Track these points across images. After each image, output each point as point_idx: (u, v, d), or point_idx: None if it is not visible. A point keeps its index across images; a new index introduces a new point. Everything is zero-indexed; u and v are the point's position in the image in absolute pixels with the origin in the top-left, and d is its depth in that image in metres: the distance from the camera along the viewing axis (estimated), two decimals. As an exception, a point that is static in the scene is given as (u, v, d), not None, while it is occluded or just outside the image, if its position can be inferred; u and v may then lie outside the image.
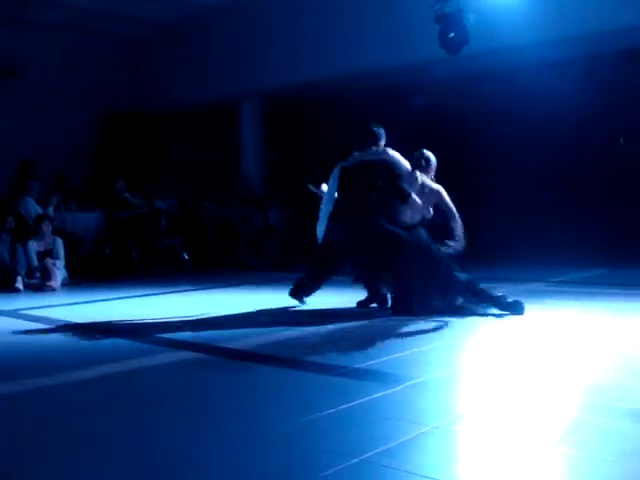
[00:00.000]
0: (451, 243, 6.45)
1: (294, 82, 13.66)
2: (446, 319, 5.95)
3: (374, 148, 6.53)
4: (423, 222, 6.53)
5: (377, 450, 2.77)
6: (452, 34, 9.75)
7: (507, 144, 15.23)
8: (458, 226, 6.47)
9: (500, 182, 15.99)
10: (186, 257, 11.19)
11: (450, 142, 14.90)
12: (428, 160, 6.77)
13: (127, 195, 11.31)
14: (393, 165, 6.41)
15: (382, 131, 6.62)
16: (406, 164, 6.48)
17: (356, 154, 6.53)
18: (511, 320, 5.87)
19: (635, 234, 13.24)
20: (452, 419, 3.20)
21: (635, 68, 13.09)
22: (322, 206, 6.81)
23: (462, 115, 14.37)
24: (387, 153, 6.46)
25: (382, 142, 6.60)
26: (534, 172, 15.37)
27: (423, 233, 6.42)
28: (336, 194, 6.67)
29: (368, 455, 2.71)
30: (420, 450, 2.81)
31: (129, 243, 10.71)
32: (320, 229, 6.75)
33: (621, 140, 13.78)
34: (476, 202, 15.52)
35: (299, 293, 6.91)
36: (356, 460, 2.66)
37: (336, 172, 6.68)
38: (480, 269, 10.04)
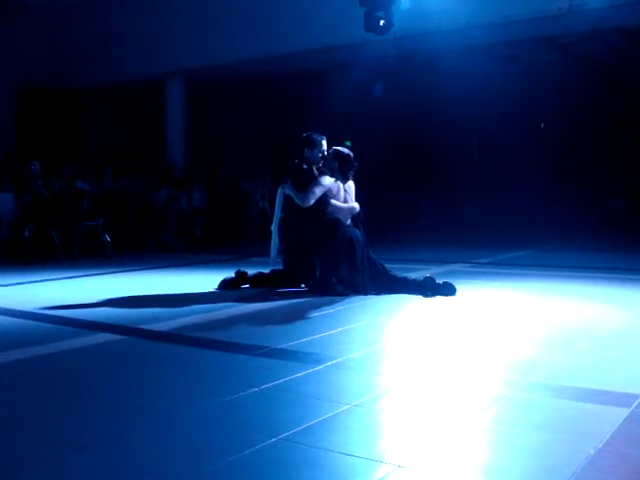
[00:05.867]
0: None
1: (218, 62, 13.51)
2: (370, 298, 6.02)
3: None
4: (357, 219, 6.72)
5: (296, 429, 2.75)
6: (379, 16, 9.76)
7: (432, 127, 15.42)
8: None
9: (427, 165, 16.20)
10: (108, 239, 10.96)
11: (375, 125, 14.99)
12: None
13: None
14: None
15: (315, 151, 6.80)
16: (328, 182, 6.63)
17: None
18: (437, 300, 5.96)
19: (557, 217, 13.63)
20: (372, 397, 3.20)
21: (555, 54, 13.41)
22: (272, 227, 6.90)
23: (387, 98, 14.44)
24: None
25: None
26: (459, 155, 15.63)
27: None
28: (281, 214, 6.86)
29: (287, 434, 2.70)
30: (339, 428, 2.81)
31: (49, 225, 10.40)
32: (273, 246, 6.84)
33: (542, 125, 14.11)
34: (402, 185, 15.72)
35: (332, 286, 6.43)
36: (274, 439, 2.64)
37: (280, 194, 6.83)
38: (409, 251, 10.22)
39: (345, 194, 6.69)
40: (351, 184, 6.81)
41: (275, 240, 6.81)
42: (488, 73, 13.03)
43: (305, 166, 6.75)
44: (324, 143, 6.86)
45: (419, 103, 14.80)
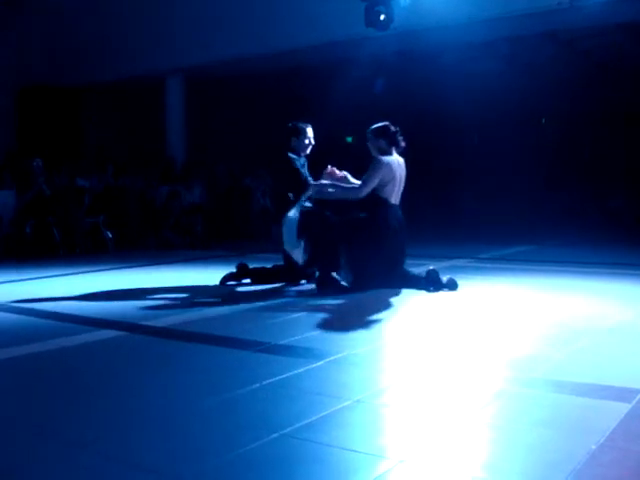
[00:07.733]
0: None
1: (218, 59, 13.49)
2: (371, 294, 6.01)
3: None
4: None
5: (298, 425, 2.75)
6: (379, 11, 9.74)
7: (433, 122, 15.39)
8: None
9: (428, 160, 16.19)
10: (110, 236, 10.96)
11: (376, 121, 14.89)
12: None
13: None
14: None
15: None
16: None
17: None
18: (438, 295, 5.95)
19: (558, 214, 13.62)
20: (374, 392, 3.20)
21: (556, 50, 13.38)
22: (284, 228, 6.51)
23: (387, 94, 14.40)
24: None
25: None
26: (460, 150, 15.61)
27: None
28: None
29: (288, 430, 2.70)
30: (341, 423, 2.81)
31: (51, 222, 10.42)
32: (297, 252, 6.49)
33: (543, 120, 14.09)
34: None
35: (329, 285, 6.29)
36: (276, 435, 2.64)
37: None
38: (411, 247, 10.20)
39: (401, 170, 6.47)
40: (401, 160, 6.54)
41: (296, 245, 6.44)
42: (489, 69, 13.01)
43: (293, 155, 6.64)
44: (309, 130, 6.74)
45: (420, 99, 14.78)
